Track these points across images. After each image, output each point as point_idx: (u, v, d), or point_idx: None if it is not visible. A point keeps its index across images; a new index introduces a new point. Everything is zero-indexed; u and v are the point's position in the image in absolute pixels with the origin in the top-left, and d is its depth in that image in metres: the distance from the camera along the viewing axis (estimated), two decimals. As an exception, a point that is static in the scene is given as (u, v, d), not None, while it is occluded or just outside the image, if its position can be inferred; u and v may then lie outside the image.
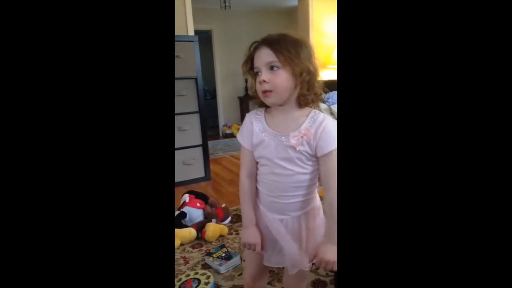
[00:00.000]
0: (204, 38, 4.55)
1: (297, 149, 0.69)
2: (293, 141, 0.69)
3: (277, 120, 0.73)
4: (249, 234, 0.78)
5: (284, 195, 0.74)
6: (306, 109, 0.73)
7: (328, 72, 3.22)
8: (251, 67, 0.72)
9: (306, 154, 0.70)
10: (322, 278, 1.24)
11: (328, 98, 2.66)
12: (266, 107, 0.76)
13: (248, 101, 4.69)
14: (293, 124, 0.71)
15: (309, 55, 0.69)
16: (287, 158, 0.71)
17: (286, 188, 0.73)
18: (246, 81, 4.74)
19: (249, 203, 0.79)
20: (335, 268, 0.71)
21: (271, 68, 0.67)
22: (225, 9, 3.83)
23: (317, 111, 0.73)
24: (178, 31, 2.57)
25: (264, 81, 0.67)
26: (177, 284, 1.25)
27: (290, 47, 0.67)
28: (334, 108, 2.53)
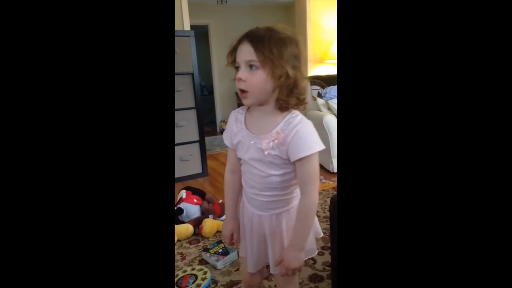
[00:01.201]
0: (201, 33, 4.52)
1: (266, 153, 0.67)
2: (263, 145, 0.67)
3: (255, 120, 0.71)
4: (224, 225, 0.84)
5: (260, 194, 0.74)
6: (286, 112, 0.69)
7: (326, 67, 3.21)
8: (234, 60, 0.68)
9: (277, 158, 0.68)
10: (318, 273, 1.24)
11: (326, 93, 2.65)
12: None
13: (245, 97, 4.67)
14: (269, 127, 0.68)
15: (295, 56, 0.65)
16: (260, 160, 0.69)
17: (262, 188, 0.73)
18: (244, 77, 4.72)
19: (229, 197, 0.82)
20: (298, 272, 0.73)
21: (250, 66, 0.64)
22: (221, 3, 3.80)
23: (295, 113, 0.68)
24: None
25: (241, 79, 0.64)
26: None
27: (274, 46, 0.62)
28: (331, 103, 2.52)
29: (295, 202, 0.75)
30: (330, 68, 3.17)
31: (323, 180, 2.26)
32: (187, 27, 2.59)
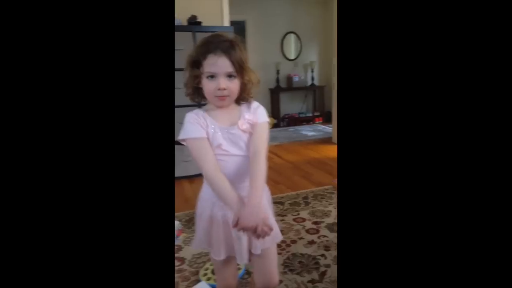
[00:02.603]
0: (238, 29, 4.59)
1: (243, 127, 0.79)
2: (243, 127, 0.80)
3: (220, 116, 0.81)
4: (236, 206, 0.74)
5: (239, 186, 0.79)
6: (239, 103, 0.84)
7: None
8: (196, 65, 0.77)
9: (249, 136, 0.81)
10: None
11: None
12: (197, 105, 0.84)
13: (279, 93, 4.68)
14: (235, 117, 0.82)
15: (247, 59, 0.78)
16: (236, 144, 0.80)
17: (243, 170, 0.80)
18: (278, 73, 4.73)
19: (233, 190, 0.75)
20: (269, 232, 0.70)
21: (229, 76, 0.76)
22: (260, -1, 3.82)
23: (246, 101, 0.84)
24: (214, 22, 2.62)
25: (224, 88, 0.75)
26: (202, 272, 1.31)
27: (241, 55, 0.76)
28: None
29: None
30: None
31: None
32: (226, 23, 2.66)
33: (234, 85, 0.77)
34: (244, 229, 0.70)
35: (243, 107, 0.84)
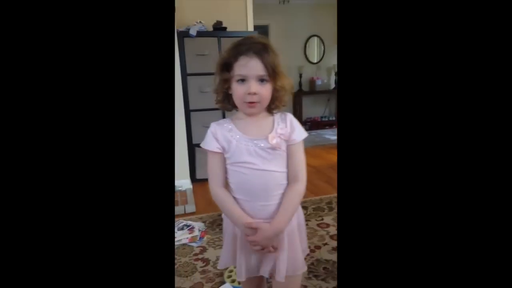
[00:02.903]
0: (262, 33, 4.61)
1: (276, 148, 0.72)
2: (273, 142, 0.72)
3: (249, 126, 0.75)
4: (241, 219, 0.73)
5: (267, 204, 0.73)
6: (272, 112, 0.77)
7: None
8: (227, 68, 0.71)
9: (281, 153, 0.74)
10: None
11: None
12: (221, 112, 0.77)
13: (301, 96, 4.66)
14: (265, 128, 0.74)
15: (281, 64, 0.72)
16: (263, 158, 0.72)
17: (267, 192, 0.73)
18: (301, 76, 4.71)
19: (232, 202, 0.74)
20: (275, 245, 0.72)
21: (261, 80, 0.70)
22: (283, 3, 3.84)
23: (280, 112, 0.77)
24: (238, 27, 2.66)
25: (255, 93, 0.69)
26: (226, 274, 1.32)
27: (274, 59, 0.70)
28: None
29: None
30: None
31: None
32: (250, 28, 2.69)
33: (265, 91, 0.70)
34: (253, 243, 0.71)
35: (276, 118, 0.76)
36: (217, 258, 1.46)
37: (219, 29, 2.51)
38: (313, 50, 4.89)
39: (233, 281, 1.27)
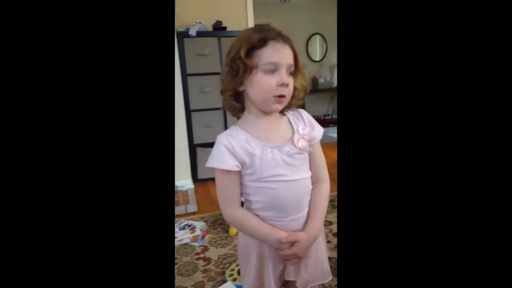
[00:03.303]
0: (262, 33, 4.61)
1: (303, 151, 0.64)
2: (300, 145, 0.63)
3: (266, 131, 0.64)
4: (276, 235, 0.64)
5: (297, 216, 0.65)
6: (284, 112, 0.69)
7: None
8: (249, 54, 0.58)
9: (306, 156, 0.66)
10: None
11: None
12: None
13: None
14: (285, 131, 0.66)
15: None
16: (292, 165, 0.63)
17: (296, 204, 0.65)
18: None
19: (261, 222, 0.65)
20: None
21: (289, 73, 0.61)
22: (284, 2, 3.83)
23: (292, 109, 0.69)
24: (239, 25, 2.65)
25: (287, 85, 0.60)
26: (228, 272, 1.31)
27: (298, 52, 0.62)
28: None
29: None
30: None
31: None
32: (251, 26, 2.69)
33: (291, 84, 0.61)
34: (292, 255, 0.64)
35: (291, 117, 0.68)
36: (219, 257, 1.45)
37: (219, 29, 2.51)
38: (315, 48, 4.87)
39: (234, 279, 1.27)
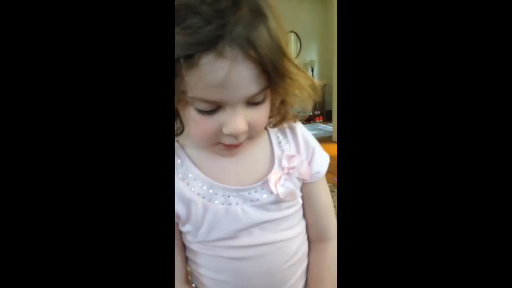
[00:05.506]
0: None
1: (285, 200, 0.39)
2: (280, 189, 0.37)
3: (219, 160, 0.39)
4: None
5: (288, 283, 0.42)
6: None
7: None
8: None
9: (296, 203, 0.42)
10: None
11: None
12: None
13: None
14: (258, 161, 0.40)
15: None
16: (268, 222, 0.39)
17: (285, 273, 0.41)
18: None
19: None
20: None
21: (253, 104, 0.35)
22: None
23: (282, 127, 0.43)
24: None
25: (242, 131, 0.35)
26: None
27: (278, 39, 0.35)
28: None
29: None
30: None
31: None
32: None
33: (260, 115, 0.32)
34: None
35: (275, 137, 0.42)
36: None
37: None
38: (290, 47, 4.94)
39: None
